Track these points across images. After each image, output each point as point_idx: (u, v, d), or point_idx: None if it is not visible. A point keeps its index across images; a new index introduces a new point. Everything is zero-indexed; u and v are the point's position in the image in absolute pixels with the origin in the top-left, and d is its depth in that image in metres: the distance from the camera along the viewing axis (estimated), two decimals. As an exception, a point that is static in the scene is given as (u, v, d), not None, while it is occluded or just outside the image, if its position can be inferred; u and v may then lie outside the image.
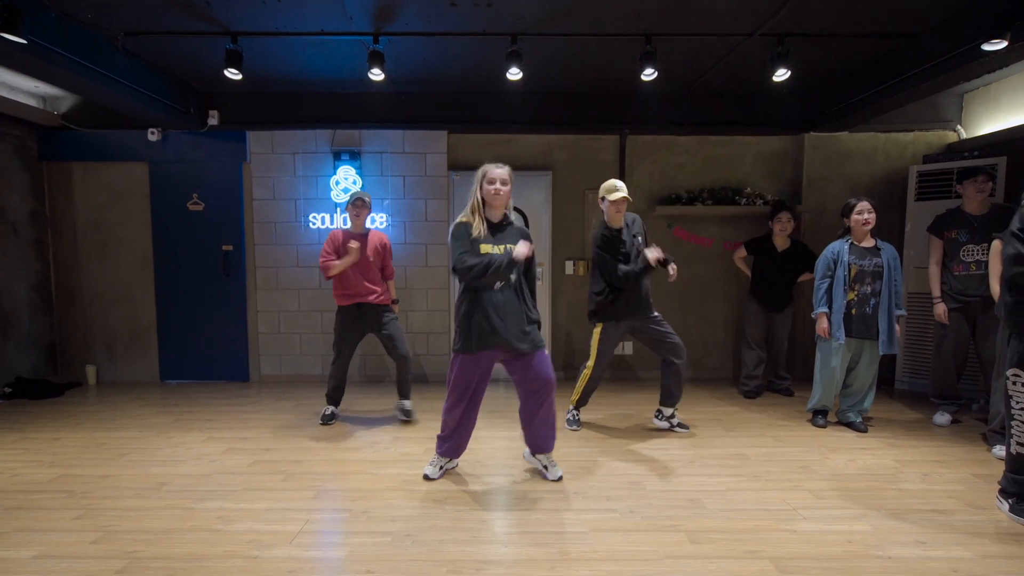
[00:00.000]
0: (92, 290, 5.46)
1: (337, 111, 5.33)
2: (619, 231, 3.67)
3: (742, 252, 4.97)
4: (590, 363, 3.85)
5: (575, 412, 4.02)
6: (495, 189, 2.87)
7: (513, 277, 2.87)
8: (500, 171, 2.91)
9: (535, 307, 3.00)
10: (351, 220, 4.04)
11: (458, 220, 2.93)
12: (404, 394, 4.19)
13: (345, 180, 5.28)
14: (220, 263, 5.43)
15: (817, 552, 2.28)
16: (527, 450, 3.22)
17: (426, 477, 3.05)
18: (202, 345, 5.49)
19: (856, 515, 2.60)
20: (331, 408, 4.16)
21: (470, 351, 2.84)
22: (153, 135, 5.23)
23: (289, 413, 4.35)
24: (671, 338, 3.76)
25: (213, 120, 5.28)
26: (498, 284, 2.84)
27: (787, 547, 2.32)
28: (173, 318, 5.47)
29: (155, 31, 3.91)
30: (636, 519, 2.58)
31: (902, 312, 3.71)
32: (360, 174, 5.31)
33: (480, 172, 2.93)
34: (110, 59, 4.05)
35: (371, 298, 3.98)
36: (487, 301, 2.81)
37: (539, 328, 2.97)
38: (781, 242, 4.75)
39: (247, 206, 5.40)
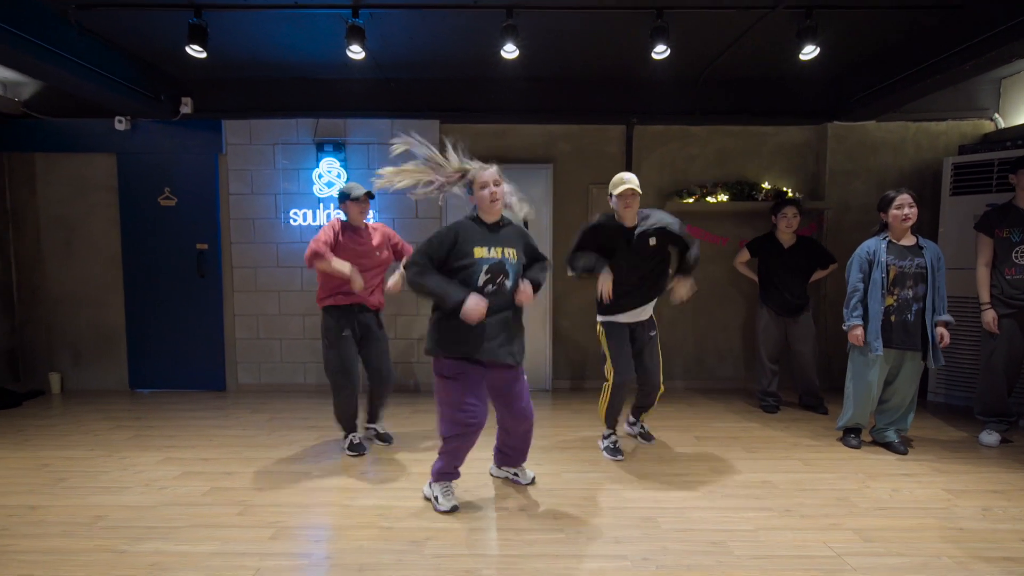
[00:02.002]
0: (56, 291, 5.05)
1: (320, 99, 4.91)
2: (625, 228, 3.22)
3: (744, 256, 4.52)
4: (608, 369, 3.31)
5: (610, 437, 3.43)
6: (491, 193, 2.54)
7: (509, 283, 2.54)
8: (489, 172, 2.59)
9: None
10: (357, 218, 3.42)
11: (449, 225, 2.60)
12: (380, 415, 3.75)
13: (329, 173, 4.86)
14: (194, 263, 5.01)
15: (877, 619, 1.86)
16: (492, 465, 3.10)
17: (454, 509, 2.64)
18: (175, 351, 5.08)
19: (915, 565, 2.17)
20: (353, 436, 3.50)
21: (445, 355, 2.54)
22: (121, 124, 4.82)
23: (261, 428, 3.93)
24: (651, 371, 3.35)
25: (186, 108, 4.87)
26: (490, 287, 2.48)
27: (838, 611, 1.90)
28: (144, 322, 5.06)
29: (109, 3, 3.50)
30: (651, 569, 2.15)
31: (947, 318, 3.26)
32: (345, 167, 4.90)
33: (467, 179, 2.64)
34: (63, 36, 3.64)
35: (368, 301, 3.43)
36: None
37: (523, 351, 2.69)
38: (787, 238, 4.32)
39: (223, 201, 4.98)
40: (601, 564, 2.18)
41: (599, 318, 3.38)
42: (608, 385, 3.32)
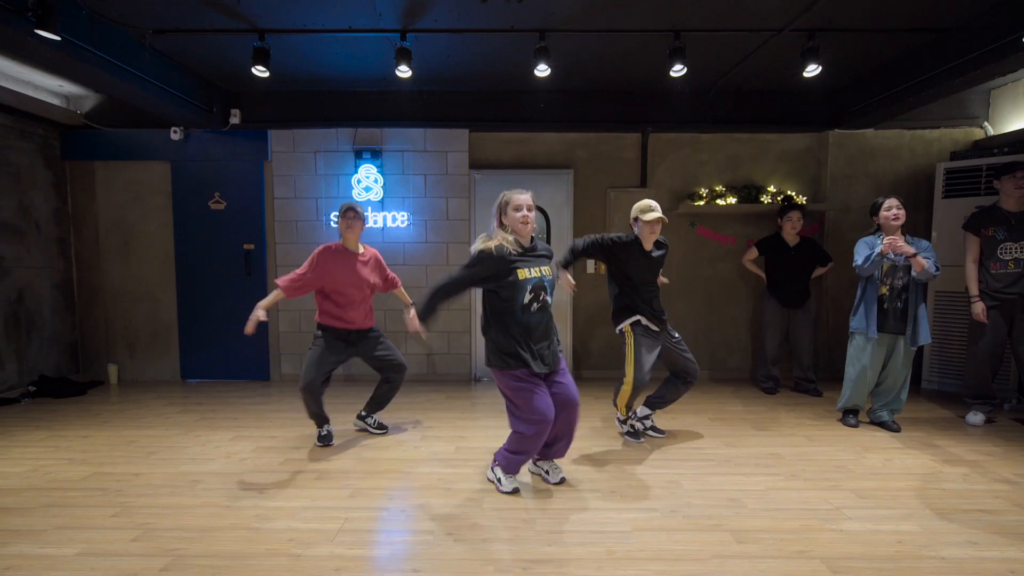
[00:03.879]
0: (114, 288, 5.46)
1: (359, 109, 5.31)
2: (644, 250, 3.45)
3: (753, 253, 4.97)
4: (628, 376, 3.46)
5: (633, 419, 3.74)
6: (523, 216, 2.67)
7: (550, 299, 2.76)
8: (525, 196, 2.70)
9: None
10: (343, 234, 3.52)
11: (482, 247, 2.68)
12: (383, 406, 3.85)
13: (367, 179, 5.27)
14: (241, 262, 5.42)
15: (868, 552, 2.24)
16: (528, 462, 3.07)
17: (516, 491, 2.83)
18: (223, 344, 5.49)
19: (902, 515, 2.56)
20: (326, 427, 3.64)
21: (518, 367, 2.69)
22: (176, 134, 5.23)
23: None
24: (689, 357, 3.59)
25: (235, 119, 5.28)
26: (535, 305, 2.70)
27: (836, 547, 2.28)
28: (194, 317, 5.47)
29: (183, 29, 3.91)
30: (678, 518, 2.54)
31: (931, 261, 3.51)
32: (381, 172, 5.30)
33: (501, 200, 2.73)
34: (138, 57, 4.05)
35: (361, 326, 3.57)
36: (516, 322, 2.68)
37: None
38: (791, 239, 4.78)
39: (268, 205, 5.39)
40: (635, 515, 2.58)
41: (628, 325, 3.53)
42: (627, 387, 3.51)
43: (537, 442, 2.72)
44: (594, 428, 3.90)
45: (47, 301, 5.17)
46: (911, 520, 2.51)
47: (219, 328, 5.47)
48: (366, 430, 3.87)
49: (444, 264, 5.40)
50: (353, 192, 5.28)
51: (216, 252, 5.42)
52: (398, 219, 5.35)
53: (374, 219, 5.34)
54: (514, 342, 2.68)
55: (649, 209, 3.39)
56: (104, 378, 5.46)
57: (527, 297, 2.67)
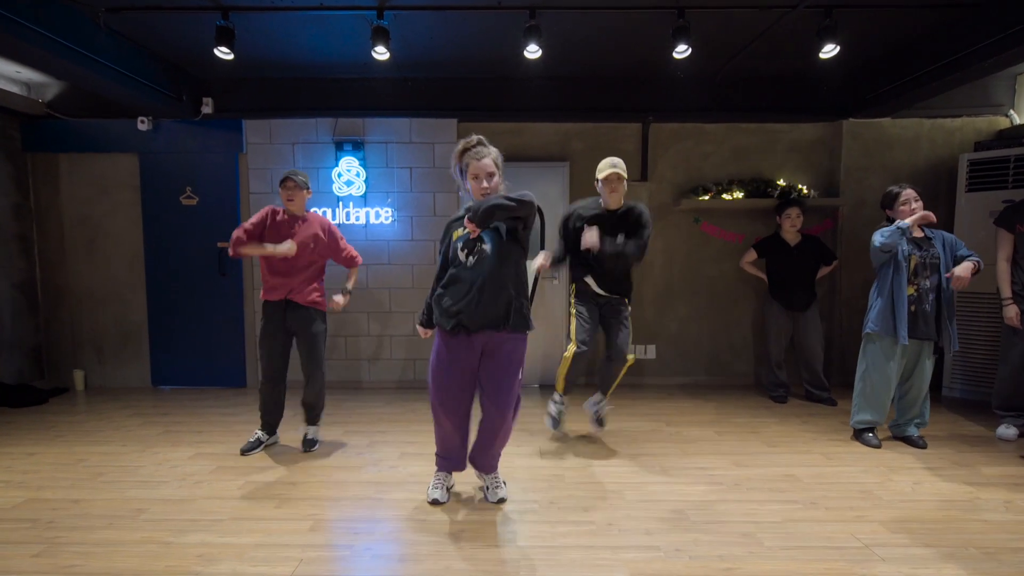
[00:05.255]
0: (80, 289, 5.12)
1: (339, 98, 4.96)
2: (611, 212, 3.34)
3: (751, 256, 4.63)
4: (571, 346, 3.35)
5: (558, 402, 3.60)
6: (482, 188, 2.47)
7: (488, 247, 2.45)
8: (485, 161, 2.46)
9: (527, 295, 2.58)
10: (285, 205, 3.38)
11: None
12: (313, 419, 3.58)
13: (348, 172, 4.92)
14: (215, 261, 5.08)
15: (909, 607, 1.91)
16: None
17: (435, 502, 2.70)
18: (196, 348, 5.15)
19: (942, 555, 2.22)
20: (259, 433, 3.49)
21: (440, 327, 2.56)
22: (143, 124, 4.87)
23: (287, 423, 3.97)
24: (619, 339, 3.38)
25: (207, 108, 4.93)
26: (470, 259, 2.46)
27: (871, 599, 1.95)
28: (166, 319, 5.13)
29: (139, 6, 3.56)
30: (684, 559, 2.21)
31: (976, 258, 3.27)
32: (364, 166, 4.95)
33: (462, 163, 2.52)
34: (91, 38, 3.70)
35: (298, 297, 3.34)
36: (458, 277, 2.49)
37: (523, 316, 2.53)
38: (792, 237, 4.45)
39: (244, 200, 5.04)
40: (635, 555, 2.24)
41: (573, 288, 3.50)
42: (567, 355, 3.38)
43: (438, 414, 2.62)
44: (591, 443, 3.57)
45: (7, 303, 4.83)
46: (954, 562, 2.17)
47: (192, 331, 5.13)
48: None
49: (431, 263, 5.06)
50: (334, 187, 4.94)
51: (188, 250, 5.07)
52: (382, 215, 5.00)
53: (356, 215, 4.99)
54: (450, 301, 2.51)
55: (607, 167, 3.26)
56: (70, 385, 5.13)
57: (461, 256, 2.49)
